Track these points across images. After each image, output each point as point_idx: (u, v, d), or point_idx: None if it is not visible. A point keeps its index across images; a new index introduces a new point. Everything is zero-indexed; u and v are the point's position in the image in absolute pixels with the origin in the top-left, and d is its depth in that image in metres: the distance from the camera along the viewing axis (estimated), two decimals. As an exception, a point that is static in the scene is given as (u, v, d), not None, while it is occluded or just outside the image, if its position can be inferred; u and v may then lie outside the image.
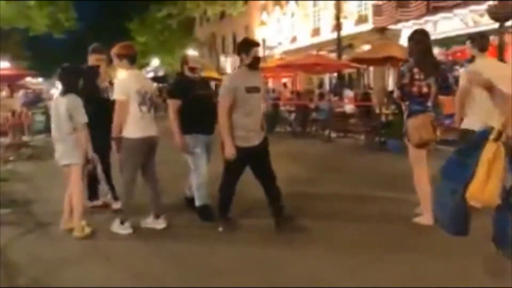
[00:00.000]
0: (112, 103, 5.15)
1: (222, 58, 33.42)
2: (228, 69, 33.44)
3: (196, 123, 5.38)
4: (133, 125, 4.96)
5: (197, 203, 5.53)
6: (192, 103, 5.31)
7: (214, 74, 25.36)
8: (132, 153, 5.02)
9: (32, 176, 8.68)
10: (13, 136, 11.65)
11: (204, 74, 21.32)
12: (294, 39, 29.43)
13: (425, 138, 5.03)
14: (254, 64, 4.96)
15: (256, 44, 5.08)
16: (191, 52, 29.86)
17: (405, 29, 17.27)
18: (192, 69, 5.52)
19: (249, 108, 4.88)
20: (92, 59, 6.10)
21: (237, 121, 4.84)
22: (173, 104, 5.34)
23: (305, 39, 27.52)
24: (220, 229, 5.06)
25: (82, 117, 4.95)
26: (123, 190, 5.14)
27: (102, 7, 44.41)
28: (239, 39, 33.51)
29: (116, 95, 4.96)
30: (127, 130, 4.97)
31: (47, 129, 15.92)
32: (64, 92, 5.08)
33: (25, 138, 13.74)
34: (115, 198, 5.89)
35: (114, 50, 5.09)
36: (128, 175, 5.04)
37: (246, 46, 5.00)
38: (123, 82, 5.03)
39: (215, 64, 33.82)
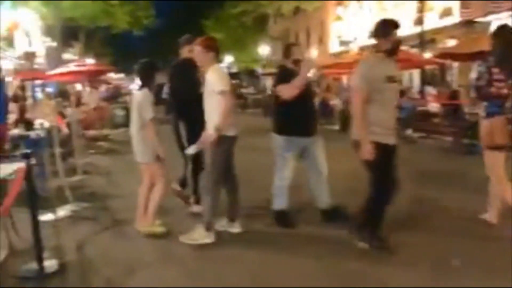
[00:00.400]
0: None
1: (295, 54, 33.02)
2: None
3: (294, 124, 4.91)
4: (229, 121, 4.58)
5: (275, 207, 5.16)
6: (295, 101, 4.81)
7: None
8: (225, 152, 4.64)
9: (110, 170, 8.80)
10: (94, 130, 11.98)
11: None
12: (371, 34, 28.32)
13: (498, 142, 4.57)
14: (394, 49, 4.26)
15: (396, 26, 4.30)
16: (263, 48, 29.86)
17: (496, 22, 15.86)
18: (296, 62, 4.97)
19: (386, 100, 4.20)
20: (185, 51, 5.63)
21: (372, 115, 4.15)
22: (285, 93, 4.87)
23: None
24: (362, 244, 4.33)
25: (148, 113, 4.74)
26: (211, 193, 4.61)
27: (179, 5, 45.53)
28: (314, 35, 33.26)
29: (223, 86, 4.47)
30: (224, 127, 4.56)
31: (126, 123, 16.47)
32: (141, 86, 4.96)
33: (105, 131, 14.16)
34: (197, 201, 5.50)
35: (201, 43, 4.68)
36: (217, 176, 4.62)
37: (385, 28, 4.26)
38: (224, 74, 4.67)
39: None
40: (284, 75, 4.95)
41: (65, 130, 8.20)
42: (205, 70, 4.63)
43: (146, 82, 4.92)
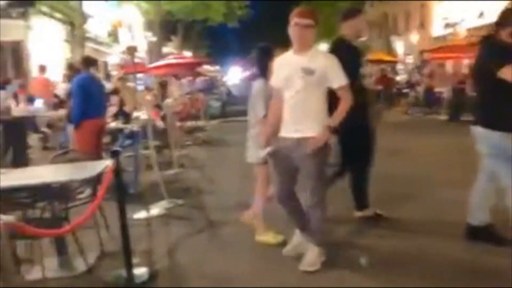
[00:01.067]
0: None
1: (393, 39, 31.03)
2: (400, 51, 30.91)
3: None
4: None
5: (475, 221, 4.01)
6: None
7: (384, 56, 23.42)
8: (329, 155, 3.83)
9: (205, 163, 8.48)
10: (190, 121, 11.88)
11: (371, 56, 19.50)
12: (481, 15, 25.63)
13: None
14: None
15: None
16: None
17: None
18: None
19: None
20: (349, 27, 4.44)
21: None
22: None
23: (494, 14, 23.69)
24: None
25: (261, 109, 3.99)
26: (321, 205, 3.69)
27: None
28: (414, 18, 30.97)
29: (344, 79, 3.58)
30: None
31: (221, 115, 16.69)
32: (257, 76, 4.18)
33: (200, 123, 14.07)
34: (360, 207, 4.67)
35: (311, 15, 3.55)
36: (324, 183, 3.77)
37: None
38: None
39: (385, 46, 31.58)
40: (501, 52, 3.69)
41: (159, 123, 7.97)
42: (304, 52, 3.53)
43: (263, 71, 4.07)
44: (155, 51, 27.49)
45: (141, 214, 5.16)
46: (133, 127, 6.37)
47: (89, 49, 21.53)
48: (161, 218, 5.19)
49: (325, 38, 33.51)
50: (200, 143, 10.93)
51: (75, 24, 19.08)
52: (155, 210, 5.35)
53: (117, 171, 3.47)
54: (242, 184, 6.16)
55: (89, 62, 6.41)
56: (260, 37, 51.32)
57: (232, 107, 19.87)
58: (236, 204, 5.13)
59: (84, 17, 19.81)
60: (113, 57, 26.43)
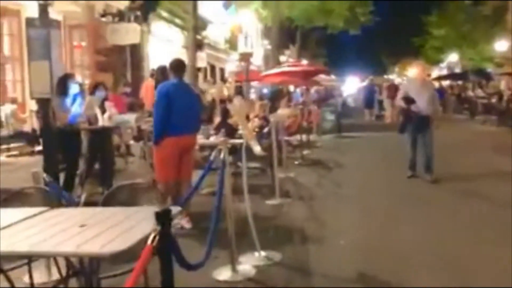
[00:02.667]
0: None
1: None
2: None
3: None
4: None
5: None
6: None
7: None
8: None
9: (314, 192, 6.85)
10: (300, 136, 10.28)
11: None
12: None
13: None
14: None
15: None
16: (500, 44, 24.52)
17: None
18: None
19: None
20: None
21: None
22: None
23: None
24: None
25: None
26: None
27: (398, 2, 41.97)
28: None
29: None
30: None
31: (336, 129, 15.11)
32: None
33: (312, 137, 12.48)
34: None
35: None
36: None
37: None
38: None
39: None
40: None
41: (256, 147, 6.49)
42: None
43: None
44: (271, 59, 26.55)
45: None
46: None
47: (208, 55, 21.22)
48: (247, 282, 3.70)
49: (457, 47, 30.02)
50: (310, 163, 9.33)
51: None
52: (240, 269, 3.87)
53: (164, 246, 2.03)
54: (366, 228, 4.53)
55: (178, 66, 5.18)
56: (382, 47, 48.44)
57: (348, 120, 17.98)
58: (356, 266, 3.47)
59: (202, 22, 19.47)
60: (230, 64, 26.04)
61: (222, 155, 3.95)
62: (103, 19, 13.23)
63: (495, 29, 27.07)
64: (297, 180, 7.73)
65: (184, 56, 18.97)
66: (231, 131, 8.04)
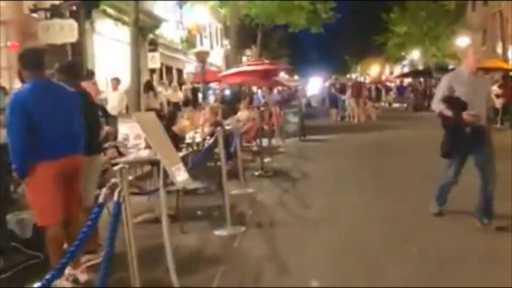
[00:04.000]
0: None
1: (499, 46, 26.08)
2: None
3: None
4: None
5: None
6: None
7: (500, 64, 19.07)
8: None
9: (276, 218, 5.45)
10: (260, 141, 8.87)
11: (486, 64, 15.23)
12: None
13: None
14: None
15: None
16: (461, 40, 23.96)
17: None
18: None
19: None
20: None
21: None
22: None
23: None
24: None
25: None
26: None
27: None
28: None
29: None
30: None
31: (300, 132, 13.65)
32: None
33: (274, 141, 11.19)
34: None
35: None
36: None
37: None
38: None
39: (492, 52, 26.74)
40: None
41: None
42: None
43: None
44: (232, 59, 25.16)
45: None
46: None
47: (162, 55, 19.59)
48: None
49: (419, 44, 29.49)
50: (271, 174, 7.96)
51: (145, 29, 17.13)
52: None
53: None
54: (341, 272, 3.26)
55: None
56: (344, 46, 47.76)
57: (313, 122, 16.78)
58: None
59: (156, 21, 17.86)
60: (189, 65, 24.45)
61: (116, 194, 2.53)
62: (34, 15, 11.44)
63: (456, 25, 26.65)
64: (256, 197, 6.34)
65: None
66: (175, 141, 6.61)
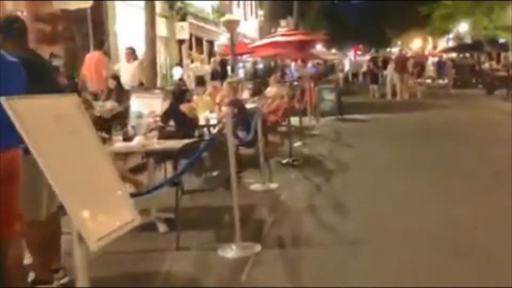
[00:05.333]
0: None
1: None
2: None
3: None
4: None
5: None
6: None
7: None
8: None
9: (303, 230, 4.10)
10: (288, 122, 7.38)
11: None
12: None
13: None
14: None
15: None
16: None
17: None
18: None
19: None
20: None
21: None
22: None
23: None
24: None
25: None
26: None
27: None
28: None
29: None
30: None
31: (336, 110, 11.25)
32: None
33: (307, 121, 9.72)
34: None
35: None
36: None
37: None
38: None
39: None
40: None
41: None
42: None
43: None
44: (266, 31, 23.50)
45: None
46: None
47: (192, 26, 18.23)
48: None
49: (469, 16, 26.80)
50: (301, 163, 6.57)
51: (173, -4, 15.78)
52: None
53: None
54: None
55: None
56: (385, 17, 44.73)
57: (351, 98, 15.13)
58: None
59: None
60: (221, 37, 22.97)
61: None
62: (45, -23, 10.25)
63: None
64: (279, 197, 5.01)
65: (162, 27, 16.12)
66: (184, 125, 5.32)
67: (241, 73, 17.15)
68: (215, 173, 5.26)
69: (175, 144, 4.14)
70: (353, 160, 6.68)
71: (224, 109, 5.85)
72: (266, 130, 6.66)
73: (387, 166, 6.30)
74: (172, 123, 5.36)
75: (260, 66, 20.15)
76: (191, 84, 13.60)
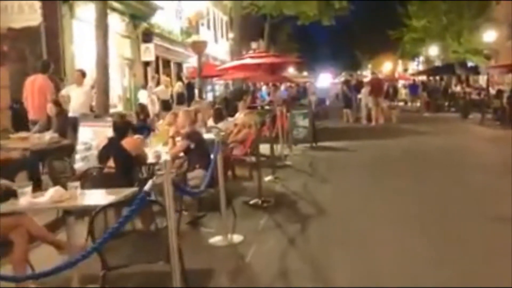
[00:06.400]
0: None
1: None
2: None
3: None
4: None
5: None
6: None
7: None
8: None
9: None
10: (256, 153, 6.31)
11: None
12: None
13: None
14: None
15: None
16: (488, 35, 21.32)
17: None
18: None
19: None
20: None
21: None
22: None
23: None
24: None
25: None
26: None
27: None
28: None
29: None
30: None
31: (310, 137, 10.14)
32: None
33: (279, 149, 8.76)
34: None
35: None
36: None
37: None
38: None
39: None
40: None
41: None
42: None
43: None
44: (236, 53, 22.72)
45: None
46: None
47: (158, 47, 17.22)
48: None
49: (439, 39, 26.77)
50: (272, 203, 5.57)
51: (137, 17, 14.78)
52: None
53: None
54: None
55: None
56: (356, 41, 44.82)
57: (324, 123, 14.35)
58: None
59: (149, 8, 15.48)
60: (191, 59, 22.02)
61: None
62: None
63: (479, 19, 23.85)
64: (244, 258, 3.95)
65: (126, 48, 15.05)
66: (124, 165, 4.26)
67: (209, 97, 16.21)
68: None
69: (102, 199, 3.07)
70: (332, 201, 5.71)
71: (180, 143, 4.82)
72: (229, 166, 5.65)
73: (372, 206, 5.36)
74: (111, 162, 4.30)
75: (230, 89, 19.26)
76: (155, 109, 12.53)
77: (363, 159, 8.74)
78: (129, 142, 4.29)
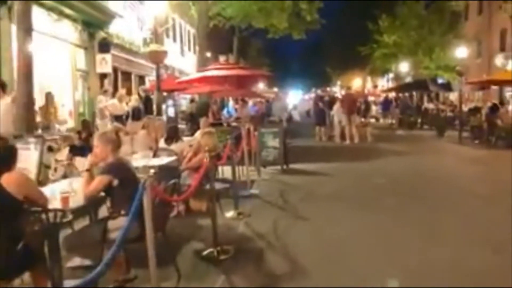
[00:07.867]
0: None
1: (498, 57, 23.07)
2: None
3: None
4: None
5: None
6: None
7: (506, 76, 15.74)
8: None
9: None
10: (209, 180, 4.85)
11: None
12: None
13: None
14: None
15: None
16: (460, 51, 20.79)
17: None
18: None
19: None
20: None
21: None
22: None
23: None
24: None
25: None
26: None
27: (345, 4, 36.92)
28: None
29: None
30: None
31: (281, 159, 8.73)
32: None
33: (245, 174, 7.37)
34: None
35: None
36: None
37: None
38: None
39: (486, 65, 23.73)
40: None
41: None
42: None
43: None
44: (200, 65, 21.35)
45: None
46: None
47: (118, 59, 15.70)
48: None
49: (410, 55, 26.23)
50: (230, 256, 4.17)
51: (92, 25, 13.25)
52: None
53: None
54: None
55: None
56: (326, 57, 44.31)
57: (295, 141, 13.10)
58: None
59: (105, 16, 13.99)
60: (154, 72, 20.50)
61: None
62: None
63: (449, 35, 23.41)
64: None
65: (80, 59, 13.46)
66: (4, 208, 2.77)
67: (171, 112, 14.75)
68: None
69: None
70: (309, 248, 4.35)
71: (98, 178, 3.36)
72: (166, 215, 4.17)
73: (360, 255, 4.05)
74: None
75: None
76: (106, 126, 10.98)
77: (341, 187, 7.44)
78: (8, 179, 2.83)
